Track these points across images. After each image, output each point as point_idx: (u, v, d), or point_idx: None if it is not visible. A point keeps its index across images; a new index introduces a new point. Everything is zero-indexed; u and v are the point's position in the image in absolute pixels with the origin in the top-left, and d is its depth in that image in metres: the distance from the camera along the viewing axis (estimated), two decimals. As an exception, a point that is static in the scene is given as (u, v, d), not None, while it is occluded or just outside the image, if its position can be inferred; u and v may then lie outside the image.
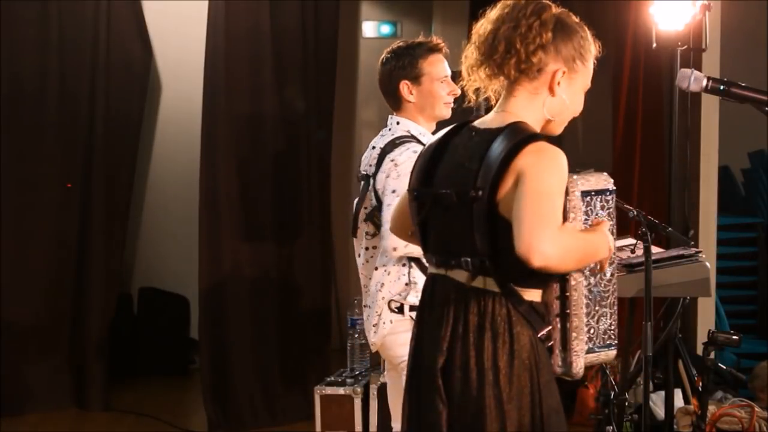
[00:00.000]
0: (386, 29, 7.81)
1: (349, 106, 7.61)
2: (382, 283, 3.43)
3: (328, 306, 6.30)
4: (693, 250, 3.75)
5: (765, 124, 4.22)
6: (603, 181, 2.39)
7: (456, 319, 2.39)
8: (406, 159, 3.31)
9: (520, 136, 2.35)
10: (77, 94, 6.08)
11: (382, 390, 4.61)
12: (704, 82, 2.84)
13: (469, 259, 2.37)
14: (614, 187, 2.41)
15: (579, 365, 2.35)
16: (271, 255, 5.93)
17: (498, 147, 2.34)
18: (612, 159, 6.17)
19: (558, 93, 2.43)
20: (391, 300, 3.43)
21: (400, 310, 3.42)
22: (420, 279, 3.30)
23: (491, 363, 2.33)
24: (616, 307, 2.41)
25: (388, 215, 3.20)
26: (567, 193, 2.31)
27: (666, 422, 4.52)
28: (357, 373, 4.88)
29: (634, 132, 5.99)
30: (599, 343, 2.38)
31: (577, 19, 2.48)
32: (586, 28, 2.49)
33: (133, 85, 6.35)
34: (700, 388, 4.26)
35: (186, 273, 6.64)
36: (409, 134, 3.45)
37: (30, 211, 6.02)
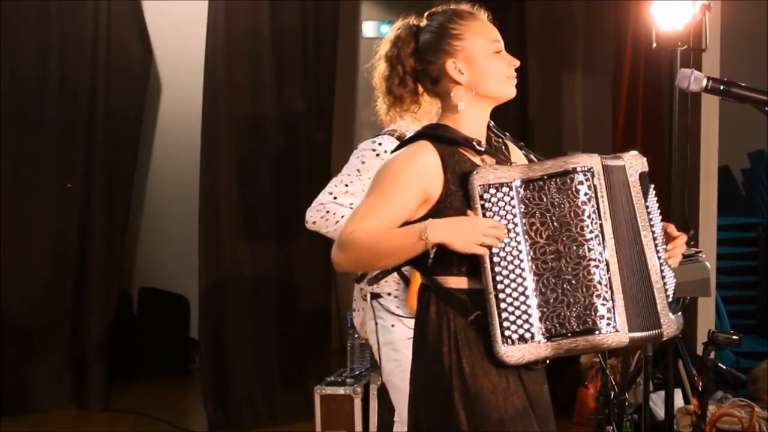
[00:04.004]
0: (386, 29, 7.80)
1: (349, 106, 7.61)
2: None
3: (328, 306, 6.30)
4: (693, 250, 3.75)
5: (765, 124, 4.21)
6: (561, 163, 2.37)
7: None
8: (362, 147, 3.52)
9: (408, 137, 2.50)
10: (77, 94, 6.08)
11: (383, 390, 4.62)
12: (704, 82, 2.83)
13: None
14: (582, 167, 2.35)
15: (496, 350, 2.33)
16: (271, 255, 5.93)
17: None
18: (612, 159, 6.16)
19: (463, 79, 2.48)
20: None
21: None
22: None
23: (414, 350, 2.50)
24: (594, 291, 2.32)
25: (327, 187, 3.48)
26: (468, 183, 2.37)
27: (666, 422, 4.53)
28: (357, 373, 4.87)
29: (634, 132, 5.99)
30: (573, 329, 2.32)
31: (440, 8, 2.55)
32: (450, 8, 2.55)
33: (133, 85, 6.36)
34: (700, 388, 4.26)
35: (186, 273, 6.64)
36: (395, 128, 3.53)
37: (30, 211, 6.02)
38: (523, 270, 2.34)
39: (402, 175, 2.40)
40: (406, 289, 3.45)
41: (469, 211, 2.36)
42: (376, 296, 3.49)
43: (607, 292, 2.34)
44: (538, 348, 2.33)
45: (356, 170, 3.47)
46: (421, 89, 2.55)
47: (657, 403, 4.95)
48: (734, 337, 3.90)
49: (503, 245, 2.34)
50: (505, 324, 2.33)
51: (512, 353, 2.33)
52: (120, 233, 6.26)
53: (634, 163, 2.45)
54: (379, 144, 3.48)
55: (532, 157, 2.86)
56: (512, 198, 2.36)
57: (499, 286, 2.33)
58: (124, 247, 6.40)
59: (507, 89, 2.52)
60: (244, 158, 5.88)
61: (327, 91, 6.10)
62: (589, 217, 2.34)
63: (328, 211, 3.43)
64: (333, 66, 6.15)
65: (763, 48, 6.61)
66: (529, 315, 2.33)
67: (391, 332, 3.46)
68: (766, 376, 5.37)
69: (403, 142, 2.49)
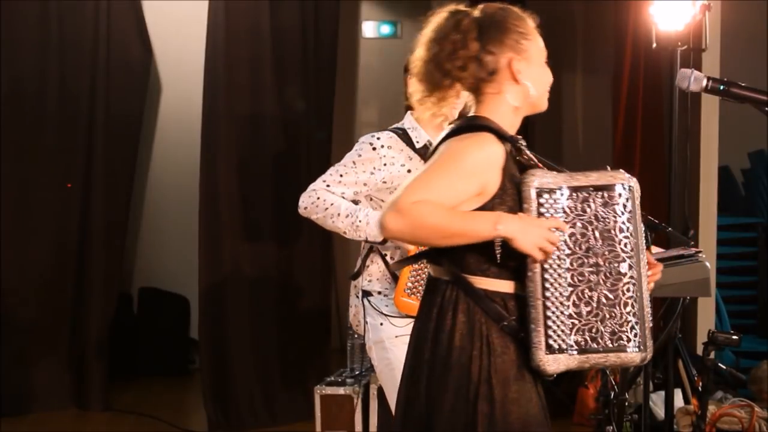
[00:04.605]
0: (386, 29, 7.81)
1: (349, 106, 7.61)
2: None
3: (328, 306, 6.30)
4: (693, 250, 3.75)
5: (765, 124, 4.22)
6: (608, 177, 2.38)
7: (420, 312, 2.47)
8: (362, 140, 3.56)
9: (460, 126, 2.43)
10: (77, 94, 6.08)
11: (382, 390, 4.62)
12: (704, 82, 2.84)
13: (428, 250, 2.46)
14: (626, 184, 2.38)
15: (538, 358, 2.31)
16: (271, 255, 5.93)
17: (441, 137, 2.45)
18: (612, 159, 6.17)
19: (522, 79, 2.45)
20: None
21: None
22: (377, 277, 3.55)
23: (429, 349, 2.39)
24: (632, 308, 2.34)
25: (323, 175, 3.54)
26: (521, 185, 2.34)
27: (666, 422, 4.53)
28: (357, 373, 4.87)
29: (634, 132, 5.99)
30: (606, 344, 2.33)
31: (498, 4, 2.51)
32: (510, 7, 2.51)
33: (133, 85, 6.35)
34: (700, 388, 4.26)
35: (186, 273, 6.64)
36: (398, 126, 3.59)
37: (30, 211, 6.02)
38: (563, 279, 2.34)
39: (468, 161, 2.33)
40: (394, 288, 3.46)
41: (520, 213, 2.33)
42: (366, 294, 3.52)
43: (639, 310, 2.36)
44: (569, 360, 2.33)
45: (352, 162, 3.52)
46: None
47: (657, 403, 4.95)
48: (734, 337, 3.90)
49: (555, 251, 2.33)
50: (549, 332, 2.31)
51: (551, 363, 2.32)
52: (120, 233, 6.26)
53: (637, 186, 2.46)
54: (378, 138, 3.52)
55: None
56: (560, 205, 2.34)
57: (547, 293, 2.32)
58: (124, 247, 6.40)
59: (545, 102, 2.52)
60: (244, 158, 5.88)
61: (327, 91, 6.09)
62: (631, 234, 2.36)
63: (318, 197, 3.49)
64: (333, 66, 6.15)
65: (763, 48, 6.60)
66: (566, 325, 2.33)
67: (379, 331, 3.47)
68: (766, 377, 5.37)
69: (461, 129, 2.41)
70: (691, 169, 5.74)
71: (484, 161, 2.33)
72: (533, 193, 2.33)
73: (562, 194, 2.34)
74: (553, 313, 2.31)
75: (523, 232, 2.29)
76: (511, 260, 2.33)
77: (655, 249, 3.48)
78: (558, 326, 2.31)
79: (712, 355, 4.03)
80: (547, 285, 2.31)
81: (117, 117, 6.16)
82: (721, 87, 2.81)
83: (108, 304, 6.15)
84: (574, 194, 2.34)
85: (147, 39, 6.45)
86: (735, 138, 6.29)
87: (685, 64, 4.98)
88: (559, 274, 2.32)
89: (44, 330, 6.05)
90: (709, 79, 2.84)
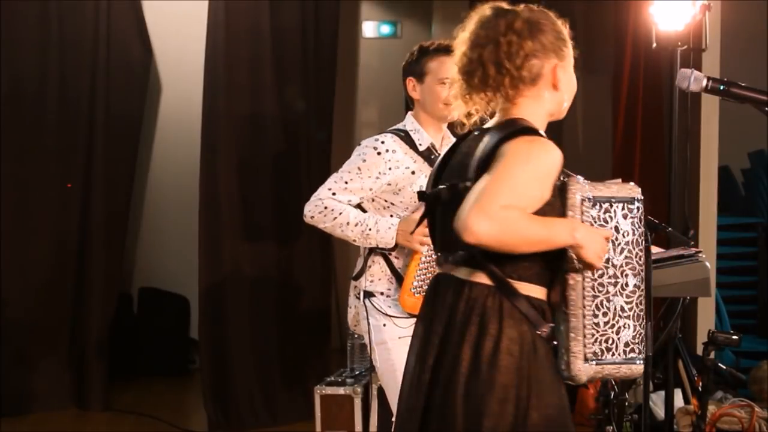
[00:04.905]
0: (386, 29, 7.81)
1: (349, 106, 7.61)
2: None
3: (328, 306, 6.30)
4: (693, 250, 3.75)
5: (765, 124, 4.22)
6: (627, 190, 2.39)
7: (450, 315, 2.41)
8: (365, 144, 3.55)
9: (514, 128, 2.37)
10: (77, 94, 6.08)
11: (383, 390, 4.62)
12: (704, 82, 2.84)
13: (462, 253, 2.39)
14: (640, 197, 2.39)
15: (577, 368, 2.34)
16: (271, 255, 5.93)
17: (490, 138, 2.38)
18: (612, 159, 6.17)
19: (560, 86, 2.44)
20: None
21: None
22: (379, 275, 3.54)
23: (470, 355, 2.34)
24: (641, 321, 2.38)
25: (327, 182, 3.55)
26: (566, 191, 2.33)
27: (666, 422, 4.52)
28: (357, 373, 4.87)
29: (634, 132, 5.99)
30: (620, 355, 2.36)
31: (537, 7, 2.48)
32: (548, 11, 2.48)
33: (133, 85, 6.35)
34: (700, 388, 4.25)
35: (186, 273, 6.64)
36: (400, 128, 3.58)
37: (30, 211, 6.02)
38: (589, 289, 2.36)
39: (539, 164, 2.29)
40: (398, 289, 3.45)
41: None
42: (368, 295, 3.51)
43: (641, 322, 2.39)
44: (589, 369, 2.36)
45: (357, 168, 3.50)
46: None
47: (657, 403, 4.95)
48: (734, 337, 3.90)
49: None
50: (585, 342, 2.34)
51: (584, 372, 2.35)
52: (120, 233, 6.26)
53: None
54: (382, 142, 3.50)
55: None
56: (589, 214, 2.35)
57: (585, 302, 2.34)
58: (124, 247, 6.40)
59: (566, 111, 2.52)
60: (244, 158, 5.88)
61: (327, 91, 6.09)
62: (646, 248, 2.42)
63: (326, 207, 3.49)
64: (333, 66, 6.15)
65: (763, 48, 6.60)
66: (590, 335, 2.35)
67: (382, 332, 3.47)
68: (767, 377, 5.37)
69: (515, 132, 2.35)
70: (691, 169, 5.74)
71: (551, 165, 2.31)
72: (578, 201, 2.33)
73: (590, 203, 2.35)
74: (588, 322, 2.34)
75: (590, 240, 2.28)
76: (553, 268, 2.34)
77: (655, 249, 3.49)
78: (588, 336, 2.34)
79: (712, 355, 4.02)
80: (585, 294, 2.34)
81: (117, 117, 6.16)
82: (721, 87, 2.81)
83: (108, 304, 6.15)
84: (598, 204, 2.36)
85: (147, 39, 6.45)
86: (735, 138, 6.29)
87: (685, 64, 4.98)
88: (587, 284, 2.35)
89: (44, 330, 6.05)
90: (709, 79, 2.84)
